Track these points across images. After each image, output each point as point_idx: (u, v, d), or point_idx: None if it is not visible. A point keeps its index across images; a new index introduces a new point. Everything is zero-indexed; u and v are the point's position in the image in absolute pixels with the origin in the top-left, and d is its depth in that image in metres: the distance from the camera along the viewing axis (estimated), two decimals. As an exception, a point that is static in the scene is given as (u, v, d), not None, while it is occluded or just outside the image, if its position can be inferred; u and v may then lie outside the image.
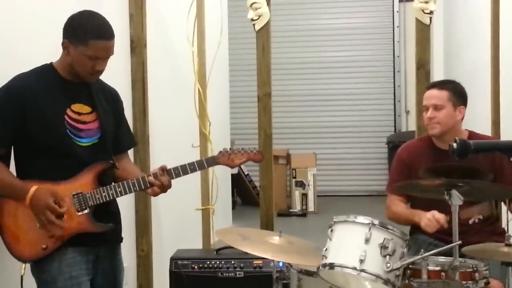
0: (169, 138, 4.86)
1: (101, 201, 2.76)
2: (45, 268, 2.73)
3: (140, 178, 2.83)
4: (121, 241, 3.05)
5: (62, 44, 2.73)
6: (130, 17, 4.22)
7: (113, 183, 2.82)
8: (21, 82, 2.72)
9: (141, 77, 4.24)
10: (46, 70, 2.79)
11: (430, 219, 3.16)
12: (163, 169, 2.84)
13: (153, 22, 4.45)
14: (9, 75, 2.76)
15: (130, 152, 3.26)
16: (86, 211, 2.73)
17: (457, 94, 3.43)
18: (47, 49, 3.03)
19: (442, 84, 3.50)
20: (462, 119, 3.45)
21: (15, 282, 2.78)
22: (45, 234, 2.69)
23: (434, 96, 3.43)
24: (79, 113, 2.78)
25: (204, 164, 2.91)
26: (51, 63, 2.81)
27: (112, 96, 3.00)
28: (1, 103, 2.67)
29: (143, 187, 2.83)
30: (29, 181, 2.69)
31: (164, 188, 2.86)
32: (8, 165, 2.75)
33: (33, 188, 2.66)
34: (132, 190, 2.82)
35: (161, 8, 4.83)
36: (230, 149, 2.95)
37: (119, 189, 2.79)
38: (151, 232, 4.33)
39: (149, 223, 4.31)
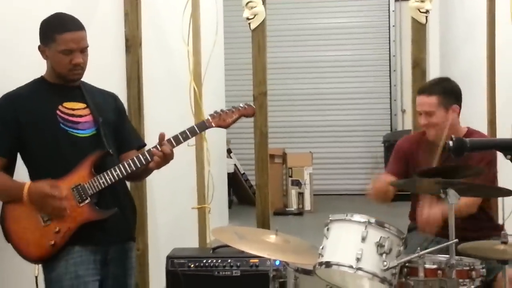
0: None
1: (101, 187, 2.75)
2: (53, 267, 2.74)
3: (140, 155, 2.79)
4: (134, 240, 3.05)
5: (39, 49, 2.79)
6: (125, 16, 4.21)
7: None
8: (10, 94, 2.78)
9: (136, 75, 4.24)
10: (36, 81, 2.85)
11: (428, 221, 3.11)
12: (163, 136, 2.82)
13: (148, 20, 4.44)
14: (11, 77, 2.76)
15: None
16: (87, 201, 2.73)
17: (447, 94, 3.38)
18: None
19: (430, 89, 3.43)
20: (459, 115, 3.41)
21: (30, 285, 2.78)
22: (51, 230, 2.70)
23: (424, 103, 3.39)
24: (72, 109, 2.80)
25: (195, 130, 2.90)
26: (41, 76, 2.85)
27: (110, 98, 3.03)
28: None
29: (143, 162, 2.79)
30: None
31: (166, 157, 2.82)
32: (11, 174, 2.77)
33: (27, 184, 2.69)
34: (129, 170, 2.77)
35: (156, 7, 4.81)
36: (220, 110, 2.93)
37: (116, 172, 2.76)
38: (147, 231, 4.32)
39: (145, 222, 4.30)
